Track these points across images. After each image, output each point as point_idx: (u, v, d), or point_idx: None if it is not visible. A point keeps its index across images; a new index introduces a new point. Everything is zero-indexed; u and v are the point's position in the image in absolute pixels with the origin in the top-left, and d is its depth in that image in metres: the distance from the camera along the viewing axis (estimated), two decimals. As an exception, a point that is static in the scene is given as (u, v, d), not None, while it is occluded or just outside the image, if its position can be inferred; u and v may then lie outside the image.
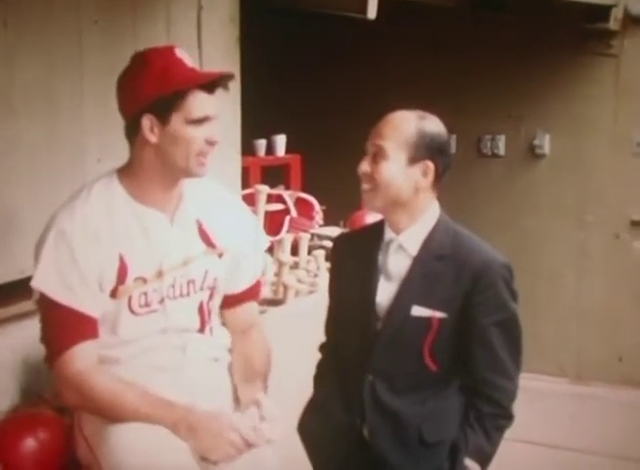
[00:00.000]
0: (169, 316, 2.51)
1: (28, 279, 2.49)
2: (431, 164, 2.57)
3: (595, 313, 6.08)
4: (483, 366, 2.58)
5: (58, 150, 3.23)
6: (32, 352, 2.99)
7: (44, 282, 2.41)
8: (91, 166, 3.22)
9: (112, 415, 2.37)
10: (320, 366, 2.81)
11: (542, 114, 6.12)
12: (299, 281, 4.18)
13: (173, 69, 2.40)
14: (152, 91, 2.36)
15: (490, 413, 2.58)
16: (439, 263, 2.59)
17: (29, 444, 2.65)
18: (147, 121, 2.38)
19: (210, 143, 2.42)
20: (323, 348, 2.84)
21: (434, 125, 2.60)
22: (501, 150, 6.31)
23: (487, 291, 2.55)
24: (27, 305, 2.88)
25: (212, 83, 2.44)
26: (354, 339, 2.65)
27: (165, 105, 2.37)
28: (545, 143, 6.14)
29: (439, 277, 2.58)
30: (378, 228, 2.69)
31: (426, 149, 2.55)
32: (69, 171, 3.23)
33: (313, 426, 2.71)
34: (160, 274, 2.48)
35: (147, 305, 2.47)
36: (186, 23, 3.76)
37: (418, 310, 2.56)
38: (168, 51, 2.46)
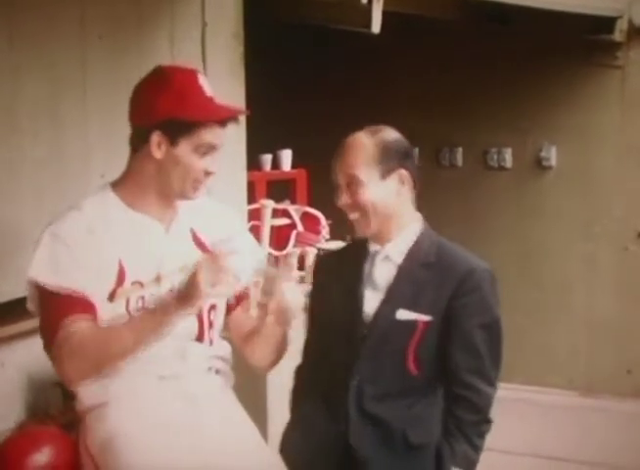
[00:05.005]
0: None
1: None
2: (404, 172, 2.60)
3: (604, 326, 6.04)
4: (466, 369, 2.59)
5: (62, 166, 3.24)
6: (38, 369, 2.99)
7: (37, 273, 2.41)
8: (95, 182, 3.20)
9: (115, 355, 2.34)
10: (297, 390, 2.76)
11: (548, 126, 6.10)
12: (306, 295, 4.16)
13: (192, 94, 2.43)
14: (167, 110, 2.38)
15: (471, 421, 2.59)
16: (425, 271, 2.62)
17: (36, 460, 2.64)
18: (156, 138, 2.41)
19: (208, 174, 2.46)
20: (300, 370, 2.81)
21: (390, 134, 2.63)
22: (508, 162, 6.28)
23: (472, 293, 2.58)
24: (33, 323, 2.88)
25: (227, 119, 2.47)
26: (340, 347, 2.64)
27: (177, 128, 2.40)
28: (552, 155, 6.12)
29: (425, 283, 2.60)
30: (361, 243, 2.71)
31: (393, 158, 2.59)
32: (74, 188, 3.23)
33: (296, 443, 2.66)
34: (157, 279, 2.47)
35: (144, 308, 2.45)
36: (190, 40, 3.78)
37: (403, 314, 2.58)
38: (191, 74, 2.50)
